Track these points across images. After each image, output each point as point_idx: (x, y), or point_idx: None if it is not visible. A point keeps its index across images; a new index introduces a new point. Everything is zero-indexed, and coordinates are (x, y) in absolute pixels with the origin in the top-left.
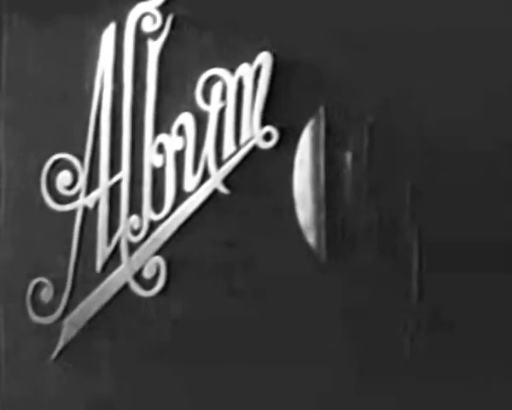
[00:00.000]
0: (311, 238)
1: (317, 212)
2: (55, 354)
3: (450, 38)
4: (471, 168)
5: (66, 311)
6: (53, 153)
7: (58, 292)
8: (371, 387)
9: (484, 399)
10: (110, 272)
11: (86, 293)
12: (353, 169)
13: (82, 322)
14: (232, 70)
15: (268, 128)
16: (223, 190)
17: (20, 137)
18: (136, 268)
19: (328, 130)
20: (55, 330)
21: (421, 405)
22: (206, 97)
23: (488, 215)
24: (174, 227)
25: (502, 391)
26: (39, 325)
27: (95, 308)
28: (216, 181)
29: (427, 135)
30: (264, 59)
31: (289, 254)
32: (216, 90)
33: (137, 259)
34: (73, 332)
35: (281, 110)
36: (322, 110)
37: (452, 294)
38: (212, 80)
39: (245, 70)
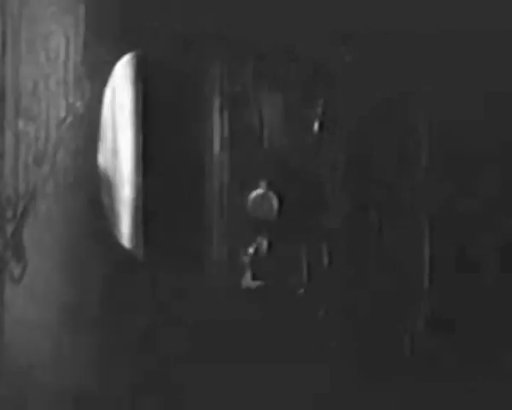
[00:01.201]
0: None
1: (130, 196)
2: None
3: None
4: (472, 169)
5: None
6: None
7: None
8: (371, 387)
9: (485, 398)
10: None
11: None
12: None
13: None
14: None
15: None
16: None
17: None
18: None
19: (144, 84)
20: None
21: (422, 404)
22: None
23: (489, 215)
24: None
25: (503, 391)
26: None
27: None
28: None
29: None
30: None
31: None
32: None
33: None
34: None
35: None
36: (132, 57)
37: (453, 293)
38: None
39: None
